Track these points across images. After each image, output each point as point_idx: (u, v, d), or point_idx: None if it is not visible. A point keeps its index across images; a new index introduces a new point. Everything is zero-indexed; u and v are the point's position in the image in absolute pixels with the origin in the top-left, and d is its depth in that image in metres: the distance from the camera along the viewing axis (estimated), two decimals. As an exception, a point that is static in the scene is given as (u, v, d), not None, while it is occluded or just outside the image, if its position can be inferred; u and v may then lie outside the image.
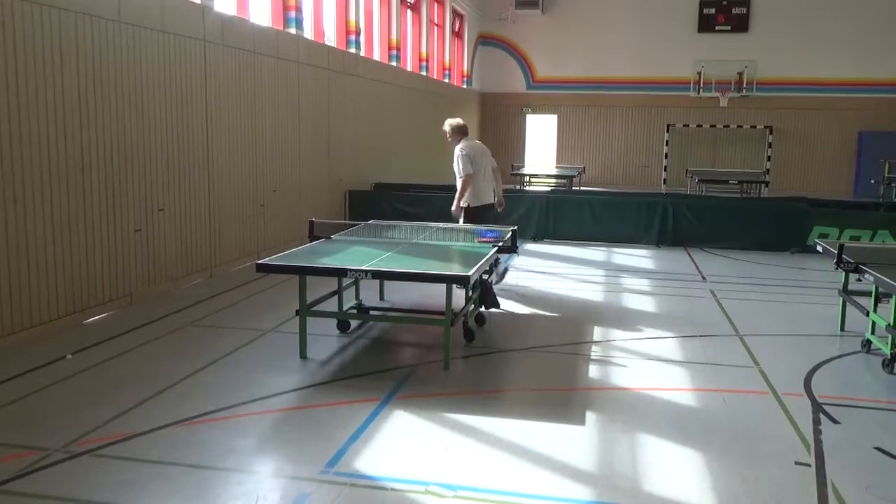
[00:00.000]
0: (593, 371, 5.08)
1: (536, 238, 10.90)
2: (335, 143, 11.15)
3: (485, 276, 6.09)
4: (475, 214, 6.75)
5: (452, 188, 12.65)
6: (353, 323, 5.96)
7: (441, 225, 6.71)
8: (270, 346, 5.49)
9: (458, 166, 6.71)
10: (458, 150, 6.74)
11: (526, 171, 19.04)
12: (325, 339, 5.62)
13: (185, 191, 7.45)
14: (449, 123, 6.97)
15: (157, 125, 6.95)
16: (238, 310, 6.59)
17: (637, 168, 21.17)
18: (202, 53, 7.58)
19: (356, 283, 6.17)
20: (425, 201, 11.19)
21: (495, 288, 7.04)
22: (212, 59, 7.75)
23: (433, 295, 6.49)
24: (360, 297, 6.27)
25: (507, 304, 6.69)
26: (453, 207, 6.67)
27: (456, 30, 19.26)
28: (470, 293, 5.71)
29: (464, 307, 5.45)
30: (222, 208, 8.07)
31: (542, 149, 22.10)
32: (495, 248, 5.73)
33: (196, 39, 7.45)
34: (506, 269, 6.39)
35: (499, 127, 21.97)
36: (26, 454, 3.72)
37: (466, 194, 6.82)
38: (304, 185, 10.17)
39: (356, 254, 5.62)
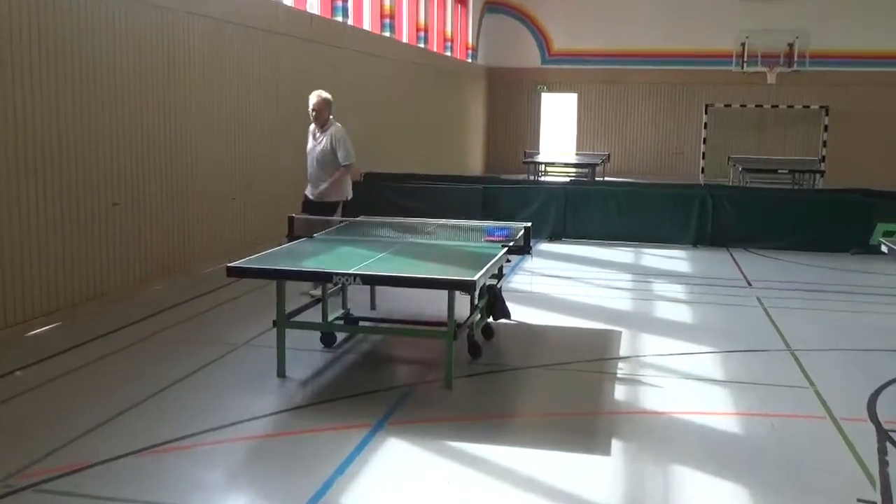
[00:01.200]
0: (620, 392, 5.08)
1: (553, 237, 10.92)
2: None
3: (493, 282, 6.09)
4: (343, 210, 7.08)
5: (458, 179, 12.81)
6: (340, 336, 5.96)
7: (442, 222, 6.71)
8: (244, 363, 5.49)
9: (343, 150, 6.94)
10: (341, 130, 6.95)
11: (541, 158, 19.10)
12: (307, 355, 5.63)
13: (144, 181, 7.46)
14: (324, 97, 6.99)
15: (110, 104, 6.96)
16: (207, 320, 6.60)
17: (670, 155, 21.18)
18: (163, 22, 7.59)
19: (343, 289, 6.18)
20: (425, 194, 11.22)
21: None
22: (175, 29, 7.77)
23: (433, 303, 6.50)
24: (348, 306, 6.28)
25: (519, 314, 6.69)
26: (325, 187, 6.90)
27: (459, -6, 19.29)
28: (476, 301, 5.72)
29: (469, 317, 5.45)
30: (187, 202, 8.08)
31: (559, 133, 22.15)
32: (505, 249, 5.73)
33: (157, 7, 7.47)
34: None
35: (509, 108, 22.01)
36: (-41, 489, 3.72)
37: (343, 186, 7.07)
38: (284, 176, 10.20)
39: (343, 255, 5.62)
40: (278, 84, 9.89)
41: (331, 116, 7.08)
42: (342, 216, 6.96)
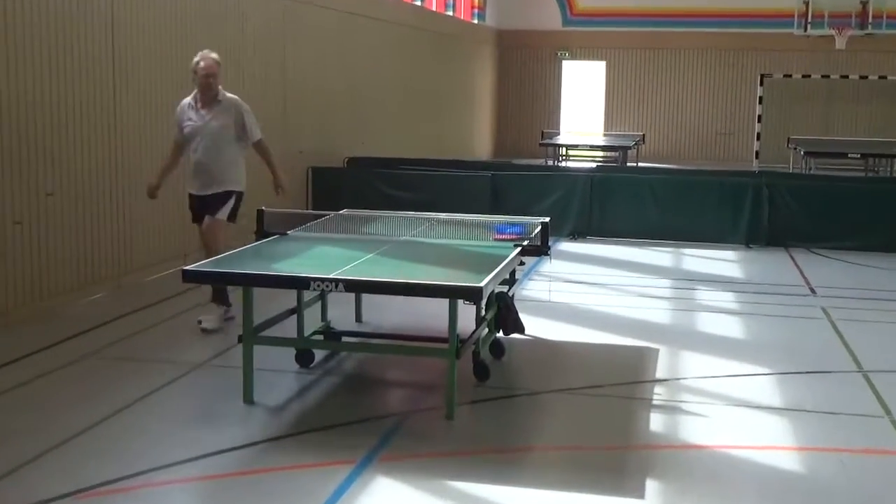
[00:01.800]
0: (657, 422, 5.08)
1: (576, 235, 10.93)
2: (294, 102, 11.19)
3: (503, 289, 6.10)
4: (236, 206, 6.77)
5: (462, 165, 12.80)
6: (319, 354, 5.98)
7: (443, 216, 6.72)
8: (204, 387, 5.50)
9: (254, 123, 6.73)
10: (242, 102, 6.69)
11: (561, 140, 19.12)
12: (280, 377, 5.63)
13: (83, 169, 7.47)
14: (218, 59, 6.61)
15: (41, 78, 6.97)
16: (158, 335, 6.60)
17: (718, 136, 21.21)
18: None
19: (322, 297, 6.19)
20: (421, 183, 11.23)
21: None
22: (120, -16, 7.79)
23: (431, 315, 6.50)
24: (329, 318, 6.29)
25: (534, 328, 6.71)
26: (282, 184, 6.82)
27: (463, -58, 19.32)
28: (483, 312, 5.73)
29: (474, 332, 5.47)
30: (136, 193, 8.10)
31: (583, 110, 22.18)
32: (518, 250, 5.74)
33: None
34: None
35: (523, 79, 22.06)
36: None
37: (241, 174, 6.83)
38: (250, 161, 10.16)
39: (322, 256, 5.63)
40: (243, 52, 9.90)
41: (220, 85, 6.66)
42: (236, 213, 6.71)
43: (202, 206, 6.72)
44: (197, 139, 6.63)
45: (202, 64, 6.51)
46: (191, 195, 6.82)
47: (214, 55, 6.62)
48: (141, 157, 8.14)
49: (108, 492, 4.12)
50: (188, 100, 6.72)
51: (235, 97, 6.74)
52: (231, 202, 6.70)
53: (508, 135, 21.98)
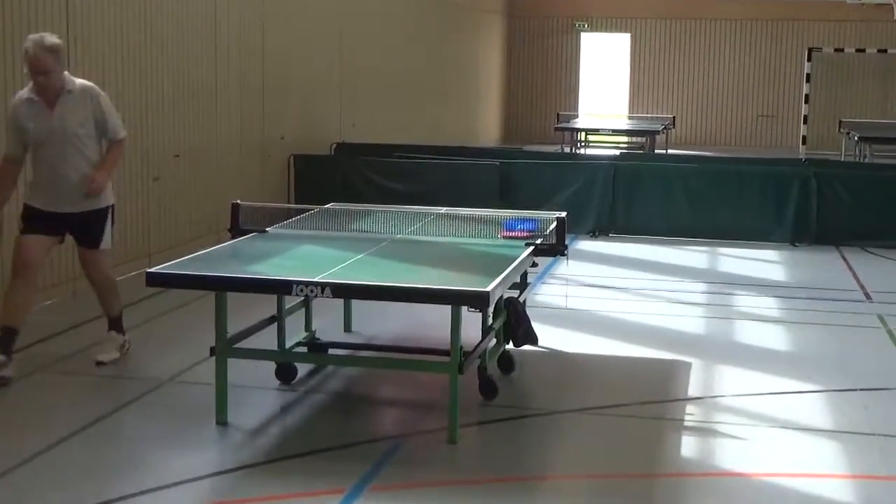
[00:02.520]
0: (689, 446, 5.08)
1: (597, 232, 10.93)
2: (274, 81, 11.19)
3: (513, 294, 6.10)
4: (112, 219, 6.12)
5: (466, 152, 12.75)
6: (302, 369, 5.98)
7: (444, 211, 6.72)
8: (171, 406, 5.50)
9: (115, 117, 5.96)
10: (96, 89, 5.90)
11: (580, 124, 19.13)
12: (258, 395, 5.63)
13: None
14: (53, 44, 5.65)
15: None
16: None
17: (758, 120, 21.22)
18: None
19: (307, 304, 6.19)
20: (419, 173, 11.25)
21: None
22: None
23: (430, 324, 6.50)
24: (314, 328, 6.29)
25: (549, 339, 6.71)
26: (100, 181, 5.86)
27: None
28: (491, 321, 5.73)
29: (480, 343, 5.46)
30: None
31: (605, 89, 22.20)
32: (531, 249, 5.74)
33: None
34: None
35: (536, 54, 22.07)
36: None
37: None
38: (224, 147, 10.24)
39: (307, 257, 5.62)
40: (216, 25, 9.91)
41: (65, 72, 5.83)
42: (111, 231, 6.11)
43: (58, 226, 5.93)
44: (46, 144, 5.77)
45: (27, 52, 5.62)
46: (34, 209, 5.89)
47: (49, 40, 5.64)
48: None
49: (61, 526, 4.11)
50: (25, 93, 5.83)
51: (89, 84, 5.92)
52: (109, 221, 6.07)
53: (519, 118, 21.99)
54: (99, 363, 6.12)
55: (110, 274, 6.29)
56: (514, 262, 5.36)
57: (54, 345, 6.54)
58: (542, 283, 8.50)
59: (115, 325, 6.32)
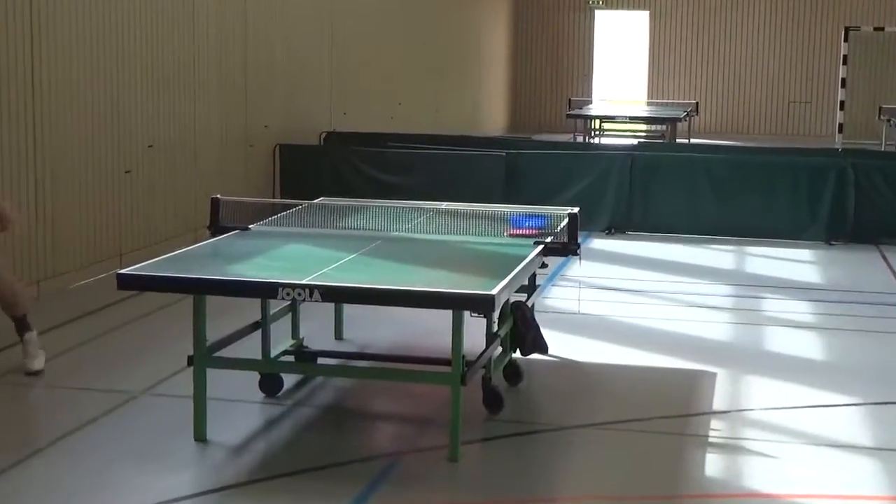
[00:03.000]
0: (713, 465, 5.07)
1: (612, 230, 10.93)
2: (257, 65, 11.18)
3: (521, 298, 6.09)
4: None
5: (468, 141, 12.72)
6: (289, 380, 5.97)
7: (444, 206, 6.72)
8: (144, 421, 5.49)
9: None
10: None
11: (594, 111, 19.12)
12: (241, 409, 5.63)
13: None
14: None
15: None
16: (87, 356, 6.59)
17: (790, 106, 21.21)
18: None
19: (294, 309, 6.19)
20: (416, 165, 11.25)
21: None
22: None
23: (430, 331, 6.50)
24: (302, 335, 6.29)
25: (559, 347, 6.70)
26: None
27: None
28: (496, 327, 5.72)
29: (484, 352, 5.46)
30: (57, 179, 8.10)
31: (621, 73, 22.20)
32: (540, 248, 5.73)
33: None
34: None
35: (545, 34, 22.05)
36: None
37: None
38: (203, 137, 10.24)
39: (294, 257, 5.62)
40: (196, 7, 9.90)
41: None
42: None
43: None
44: None
45: None
46: None
47: None
48: (62, 133, 8.13)
49: (23, 553, 4.11)
50: None
51: None
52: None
53: (527, 105, 21.99)
54: (34, 373, 6.07)
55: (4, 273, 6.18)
56: (521, 262, 5.35)
57: (17, 353, 6.52)
58: (553, 285, 8.50)
59: (24, 324, 6.19)
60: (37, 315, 7.29)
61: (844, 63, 20.14)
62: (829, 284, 8.96)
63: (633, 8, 21.66)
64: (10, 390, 5.93)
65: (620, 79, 22.09)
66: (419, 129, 13.96)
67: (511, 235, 6.05)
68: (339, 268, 5.23)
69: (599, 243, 10.48)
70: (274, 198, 10.86)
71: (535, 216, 6.24)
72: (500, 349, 5.80)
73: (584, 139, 17.54)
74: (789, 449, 5.26)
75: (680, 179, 10.89)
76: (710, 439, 5.35)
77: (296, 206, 6.71)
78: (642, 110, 19.72)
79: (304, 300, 4.81)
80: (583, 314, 7.63)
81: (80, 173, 8.34)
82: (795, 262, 9.80)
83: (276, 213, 6.58)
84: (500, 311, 5.64)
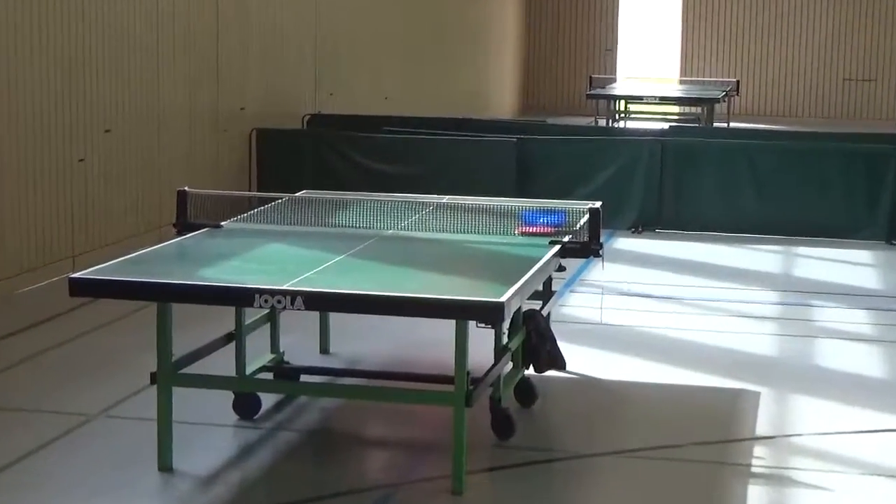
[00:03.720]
0: (757, 499, 5.06)
1: (640, 227, 10.93)
2: (232, 38, 11.18)
3: (534, 306, 6.08)
4: None
5: (474, 126, 12.67)
6: (267, 400, 5.97)
7: (446, 200, 6.71)
8: (101, 447, 5.48)
9: None
10: None
11: (618, 90, 19.10)
12: (212, 433, 5.63)
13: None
14: None
15: None
16: (35, 372, 6.58)
17: (846, 84, 21.18)
18: None
19: (273, 318, 6.18)
20: (415, 152, 11.24)
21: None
22: None
23: (429, 343, 6.49)
24: (282, 349, 6.29)
25: (578, 362, 6.69)
26: None
27: None
28: (506, 340, 5.72)
29: (493, 369, 5.45)
30: (2, 174, 8.09)
31: (650, 47, 22.18)
32: (557, 249, 5.72)
33: None
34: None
35: (562, 3, 22.02)
36: None
37: None
38: (168, 120, 10.23)
39: (273, 258, 5.61)
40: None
41: None
42: None
43: None
44: None
45: None
46: None
47: None
48: (5, 121, 8.12)
49: None
50: None
51: None
52: None
53: (542, 83, 21.99)
54: None
55: None
56: (535, 265, 5.34)
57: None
58: (571, 291, 8.50)
59: None
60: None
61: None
62: (890, 290, 8.94)
63: (664, -28, 21.66)
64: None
65: (649, 54, 22.07)
66: (417, 112, 13.95)
67: (523, 234, 6.04)
68: (324, 271, 5.23)
69: (625, 243, 10.48)
70: (250, 190, 10.85)
71: (551, 212, 6.23)
72: (510, 365, 5.79)
73: (608, 123, 17.53)
74: (843, 480, 5.24)
75: (718, 169, 10.88)
76: (753, 469, 5.34)
77: (275, 199, 6.69)
78: (674, 90, 19.71)
79: (284, 308, 4.79)
80: (606, 324, 7.62)
81: (26, 162, 8.33)
82: (851, 265, 9.80)
83: (253, 208, 6.57)
84: (511, 321, 5.65)
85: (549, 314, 6.31)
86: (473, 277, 5.32)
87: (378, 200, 6.68)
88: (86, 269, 5.24)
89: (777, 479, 5.25)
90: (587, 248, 5.87)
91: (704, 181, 10.91)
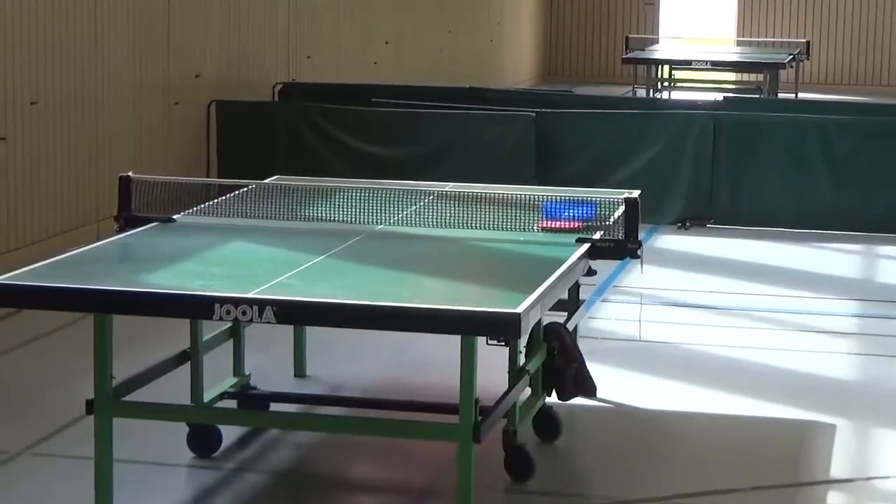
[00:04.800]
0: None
1: (687, 222, 10.94)
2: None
3: (557, 319, 6.09)
4: None
5: (481, 96, 12.61)
6: (229, 434, 5.98)
7: (449, 188, 6.72)
8: (26, 491, 5.48)
9: None
10: None
11: (660, 54, 19.06)
12: (162, 474, 5.64)
13: None
14: None
15: None
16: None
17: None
18: None
19: (236, 334, 6.18)
20: (412, 129, 11.27)
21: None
22: None
23: (427, 363, 6.49)
24: (248, 371, 6.29)
25: (611, 387, 6.70)
26: None
27: None
28: (522, 360, 5.73)
29: (506, 395, 5.45)
30: None
31: (700, 1, 22.18)
32: (586, 248, 5.73)
33: None
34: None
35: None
36: None
37: None
38: (108, 90, 10.23)
39: (237, 260, 5.63)
40: None
41: None
42: None
43: None
44: None
45: None
46: None
47: None
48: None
49: None
50: None
51: None
52: None
53: (567, 45, 22.01)
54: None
55: None
56: (558, 268, 5.34)
57: None
58: (603, 301, 8.51)
59: None
60: None
61: None
62: None
63: None
64: None
65: (699, 8, 22.08)
66: (415, 80, 13.95)
67: (544, 229, 6.05)
68: (300, 275, 5.23)
69: (669, 241, 10.49)
70: (208, 176, 10.85)
71: (578, 202, 6.23)
72: (528, 391, 5.80)
73: (648, 93, 17.52)
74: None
75: (784, 151, 10.89)
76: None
77: (240, 187, 6.71)
78: (730, 53, 19.69)
79: (251, 321, 4.80)
80: (646, 341, 7.63)
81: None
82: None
83: (212, 198, 6.57)
84: (529, 338, 5.65)
85: (575, 328, 6.32)
86: (483, 283, 5.33)
87: (366, 188, 6.68)
88: (6, 272, 5.24)
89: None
90: (623, 247, 5.87)
91: (767, 165, 10.91)
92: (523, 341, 5.40)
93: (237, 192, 6.64)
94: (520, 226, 6.12)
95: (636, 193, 6.07)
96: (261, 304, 4.73)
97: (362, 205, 6.41)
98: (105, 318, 5.08)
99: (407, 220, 6.28)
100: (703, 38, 21.12)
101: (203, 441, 5.79)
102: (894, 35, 21.14)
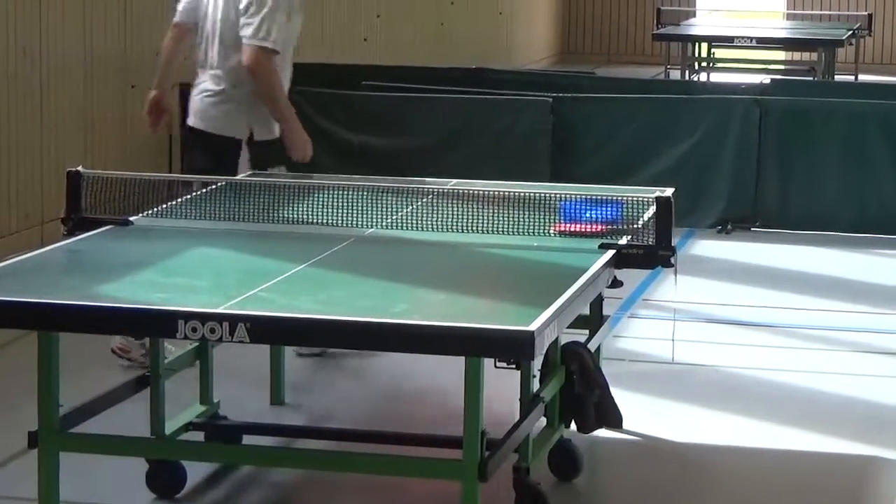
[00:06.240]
0: None
1: (729, 224, 10.97)
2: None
3: (578, 339, 6.10)
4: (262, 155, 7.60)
5: (490, 77, 12.57)
6: (195, 471, 5.99)
7: (452, 185, 6.75)
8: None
9: (257, 14, 7.58)
10: None
11: (697, 30, 19.08)
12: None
13: None
14: None
15: None
16: None
17: None
18: None
19: (204, 354, 6.20)
20: (410, 116, 11.35)
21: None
22: None
23: (426, 391, 6.50)
24: (216, 398, 6.31)
25: (641, 417, 6.73)
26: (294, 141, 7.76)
27: None
28: (537, 386, 5.74)
29: (517, 426, 5.46)
30: None
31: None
32: (610, 255, 5.74)
33: None
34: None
35: None
36: None
37: (252, 104, 7.67)
38: (55, 71, 10.26)
39: (204, 269, 5.66)
40: None
41: None
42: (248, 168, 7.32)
43: (195, 147, 7.89)
44: (203, 36, 7.72)
45: None
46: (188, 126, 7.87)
47: None
48: None
49: None
50: None
51: None
52: (241, 160, 7.56)
53: (589, 20, 22.07)
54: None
55: None
56: (578, 279, 5.36)
57: None
58: (631, 316, 8.53)
59: None
60: None
61: None
62: None
63: None
64: None
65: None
66: (412, 60, 13.99)
67: (561, 233, 6.08)
68: (278, 287, 5.25)
69: (708, 247, 10.52)
70: (171, 171, 10.87)
71: (602, 202, 6.26)
72: (543, 421, 5.81)
73: (683, 75, 17.55)
74: None
75: (841, 142, 10.94)
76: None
77: (208, 184, 6.74)
78: (778, 28, 19.73)
79: (220, 340, 4.81)
80: (680, 364, 7.64)
81: None
82: None
83: (176, 197, 6.60)
84: (545, 360, 5.68)
85: (598, 349, 6.33)
86: (490, 296, 5.34)
87: (354, 186, 6.70)
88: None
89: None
90: (653, 254, 5.89)
91: (821, 159, 10.93)
92: (537, 364, 5.41)
93: (204, 190, 6.66)
94: (533, 229, 6.14)
95: (669, 192, 6.08)
96: (232, 320, 4.73)
97: (350, 205, 6.43)
98: (51, 337, 5.10)
99: (402, 223, 6.30)
100: (747, 11, 21.17)
101: (165, 479, 5.81)
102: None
